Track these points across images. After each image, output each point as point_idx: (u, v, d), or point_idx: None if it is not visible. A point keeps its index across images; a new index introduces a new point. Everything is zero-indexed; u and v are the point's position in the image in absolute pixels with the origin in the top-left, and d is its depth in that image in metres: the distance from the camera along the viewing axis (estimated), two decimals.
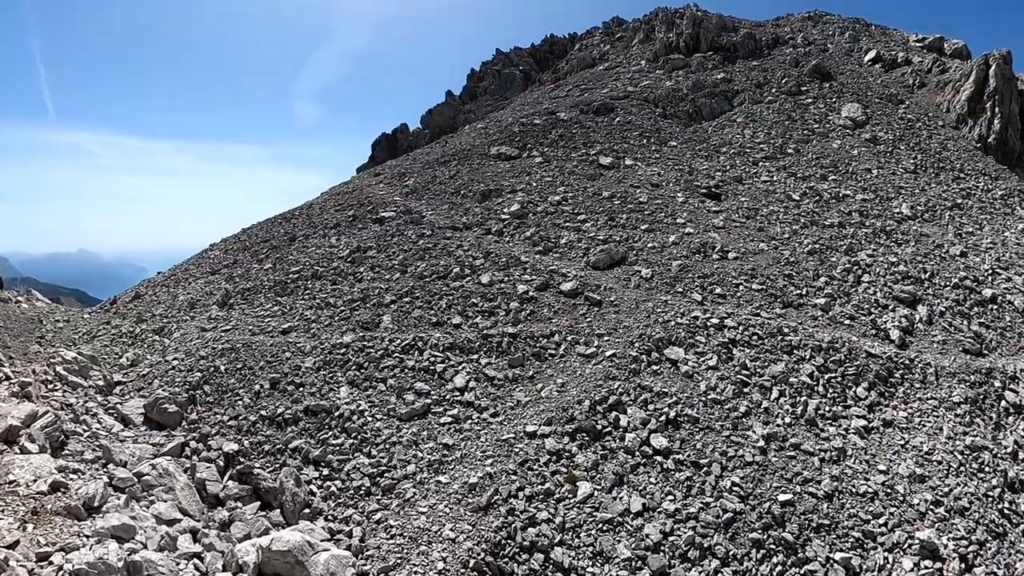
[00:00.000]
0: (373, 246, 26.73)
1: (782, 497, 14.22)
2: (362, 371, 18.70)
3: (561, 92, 46.46)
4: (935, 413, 17.83)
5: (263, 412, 17.38)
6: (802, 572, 13.02)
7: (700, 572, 12.40)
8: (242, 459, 16.00)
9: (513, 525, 12.54)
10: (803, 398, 17.39)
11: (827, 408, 17.25)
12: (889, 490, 15.19)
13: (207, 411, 17.89)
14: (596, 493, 13.56)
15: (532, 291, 22.02)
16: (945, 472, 16.03)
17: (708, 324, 19.65)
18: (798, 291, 22.07)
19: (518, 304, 21.32)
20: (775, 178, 30.45)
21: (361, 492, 14.42)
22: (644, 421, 15.69)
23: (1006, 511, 15.49)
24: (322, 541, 12.37)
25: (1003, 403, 18.64)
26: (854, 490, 15.01)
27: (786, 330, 19.76)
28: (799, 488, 14.64)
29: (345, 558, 11.62)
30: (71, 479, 12.05)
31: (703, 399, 16.67)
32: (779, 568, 12.96)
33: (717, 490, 14.12)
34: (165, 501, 12.88)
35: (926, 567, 13.50)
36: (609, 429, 15.39)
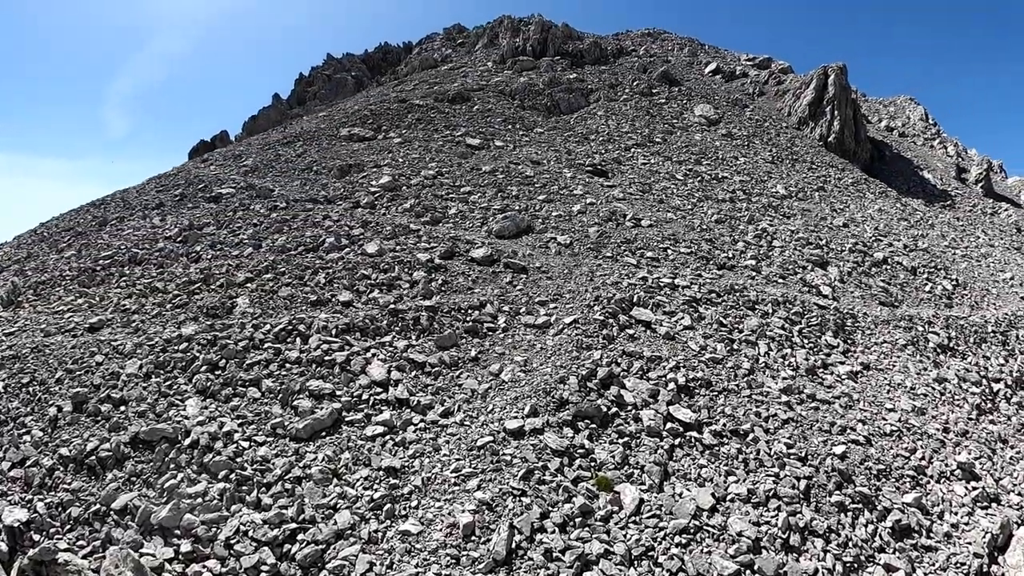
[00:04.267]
0: (211, 222, 19.68)
1: (836, 450, 11.67)
2: (218, 373, 12.15)
3: (408, 86, 42.29)
4: (894, 355, 16.90)
5: (64, 451, 10.04)
6: (889, 525, 10.26)
7: (811, 559, 8.74)
8: (37, 536, 8.67)
9: None
10: (787, 349, 15.12)
11: (814, 357, 15.19)
12: (907, 425, 13.62)
13: None
14: (646, 496, 9.22)
15: (437, 259, 17.22)
16: (934, 403, 15.03)
17: (661, 284, 16.71)
18: (724, 254, 20.35)
19: (425, 274, 16.37)
20: (652, 161, 29.53)
21: None
22: (653, 393, 11.81)
23: (988, 430, 14.91)
24: None
25: (931, 344, 18.49)
26: (880, 430, 13.09)
27: (737, 288, 17.64)
28: (841, 438, 12.21)
29: None
30: None
31: (701, 360, 13.38)
32: (871, 527, 10.12)
33: (774, 457, 10.77)
34: None
35: (974, 487, 12.36)
36: (615, 410, 11.20)
